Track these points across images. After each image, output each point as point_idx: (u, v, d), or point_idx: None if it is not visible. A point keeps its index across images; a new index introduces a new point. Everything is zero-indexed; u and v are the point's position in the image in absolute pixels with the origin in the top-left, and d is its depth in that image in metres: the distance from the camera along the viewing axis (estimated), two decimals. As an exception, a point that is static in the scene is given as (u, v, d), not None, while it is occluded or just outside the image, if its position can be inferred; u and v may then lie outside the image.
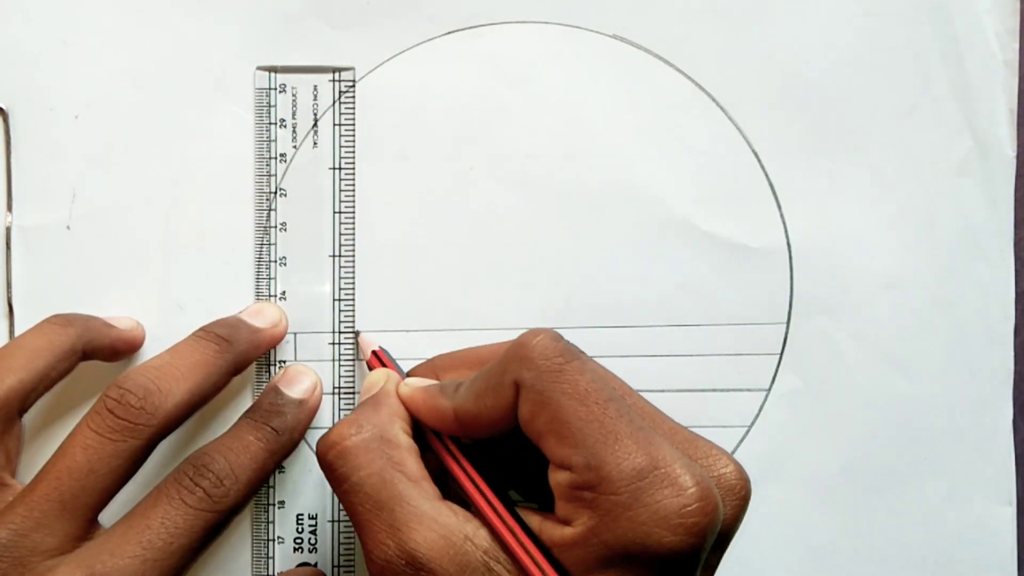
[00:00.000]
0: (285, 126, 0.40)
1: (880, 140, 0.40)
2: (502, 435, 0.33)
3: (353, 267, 0.40)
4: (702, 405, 0.40)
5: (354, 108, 0.40)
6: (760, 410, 0.40)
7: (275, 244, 0.40)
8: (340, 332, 0.40)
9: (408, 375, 0.38)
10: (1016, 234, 0.40)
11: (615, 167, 0.40)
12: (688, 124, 0.40)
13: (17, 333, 0.40)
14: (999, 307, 0.40)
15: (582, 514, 0.30)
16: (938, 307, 0.40)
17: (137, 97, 0.40)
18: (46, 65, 0.40)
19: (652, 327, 0.40)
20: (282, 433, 0.37)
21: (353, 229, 0.40)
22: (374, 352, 0.39)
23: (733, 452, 0.40)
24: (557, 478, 0.31)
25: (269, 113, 0.40)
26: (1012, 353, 0.40)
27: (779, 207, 0.40)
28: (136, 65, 0.40)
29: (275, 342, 0.39)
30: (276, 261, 0.40)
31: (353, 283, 0.40)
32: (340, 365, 0.40)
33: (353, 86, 0.40)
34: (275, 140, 0.40)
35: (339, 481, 0.32)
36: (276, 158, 0.40)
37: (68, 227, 0.40)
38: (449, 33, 0.40)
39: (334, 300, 0.40)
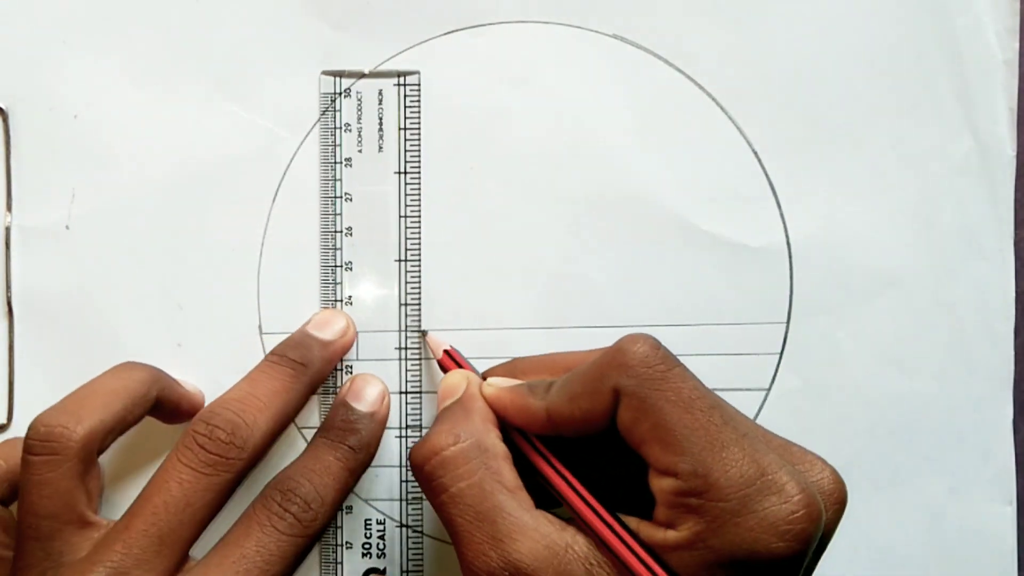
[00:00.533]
0: (350, 130, 0.40)
1: (880, 140, 0.40)
2: (585, 436, 0.33)
3: (419, 270, 0.40)
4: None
5: (419, 112, 0.40)
6: (760, 410, 0.40)
7: (341, 249, 0.40)
8: (407, 333, 0.40)
9: (485, 376, 0.38)
10: (1016, 234, 0.40)
11: (614, 167, 0.40)
12: (688, 124, 0.40)
13: (17, 334, 0.40)
14: (999, 307, 0.40)
15: (687, 519, 0.30)
16: (938, 307, 0.40)
17: (137, 97, 0.40)
18: (46, 65, 0.40)
19: (652, 327, 0.40)
20: (359, 450, 0.37)
21: (419, 233, 0.40)
22: (446, 351, 0.38)
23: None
24: (661, 484, 0.31)
25: (334, 118, 0.40)
26: (1012, 353, 0.40)
27: (779, 207, 0.40)
28: (136, 65, 0.40)
29: (346, 351, 0.39)
30: (342, 266, 0.40)
31: (419, 286, 0.40)
32: (407, 364, 0.40)
33: (418, 90, 0.40)
34: (340, 144, 0.40)
35: (437, 492, 0.33)
36: (341, 163, 0.40)
37: (67, 227, 0.40)
38: (449, 33, 0.40)
39: (400, 304, 0.40)
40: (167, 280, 0.40)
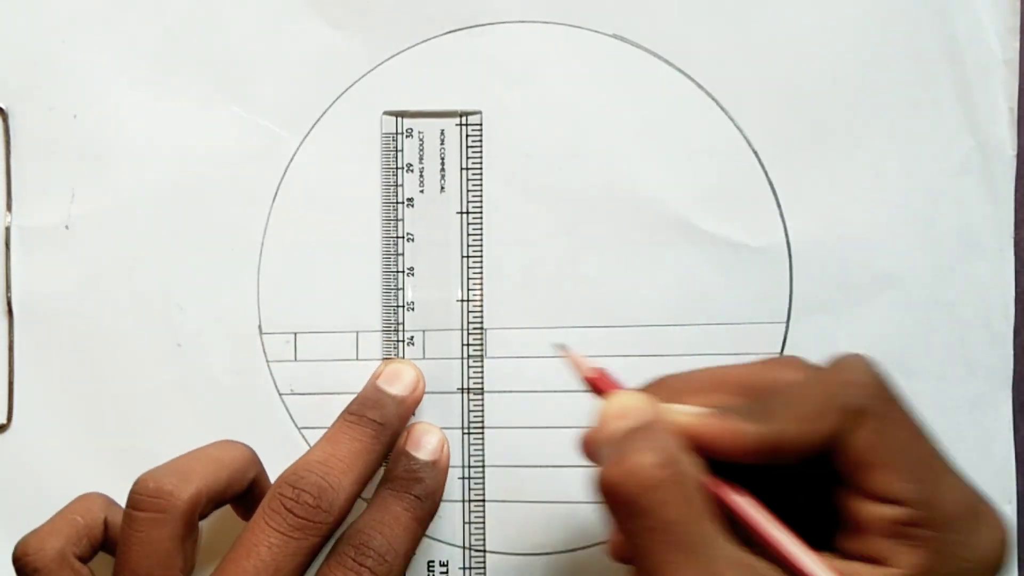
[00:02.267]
0: (412, 171, 0.40)
1: (880, 139, 0.40)
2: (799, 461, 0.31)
3: (481, 311, 0.40)
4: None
5: (481, 152, 0.40)
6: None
7: (403, 288, 0.40)
8: (470, 372, 0.40)
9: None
10: (1016, 234, 0.40)
11: (615, 167, 0.40)
12: (688, 124, 0.40)
13: (17, 334, 0.40)
14: (999, 306, 0.40)
15: (907, 552, 0.29)
16: (938, 306, 0.40)
17: (137, 97, 0.40)
18: (46, 65, 0.40)
19: (652, 327, 0.40)
20: (425, 499, 0.37)
21: (481, 273, 0.40)
22: (598, 370, 0.34)
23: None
24: (881, 512, 0.29)
25: (396, 158, 0.40)
26: (1012, 352, 0.40)
27: (779, 206, 0.40)
28: (136, 65, 0.40)
29: (417, 405, 0.39)
30: (404, 306, 0.40)
31: (481, 324, 0.40)
32: (470, 405, 0.40)
33: (480, 130, 0.40)
34: (402, 185, 0.40)
35: (637, 515, 0.29)
36: (403, 203, 0.40)
37: (67, 227, 0.40)
38: (449, 33, 0.40)
39: (463, 345, 0.40)
40: (167, 280, 0.40)
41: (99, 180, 0.40)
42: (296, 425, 0.40)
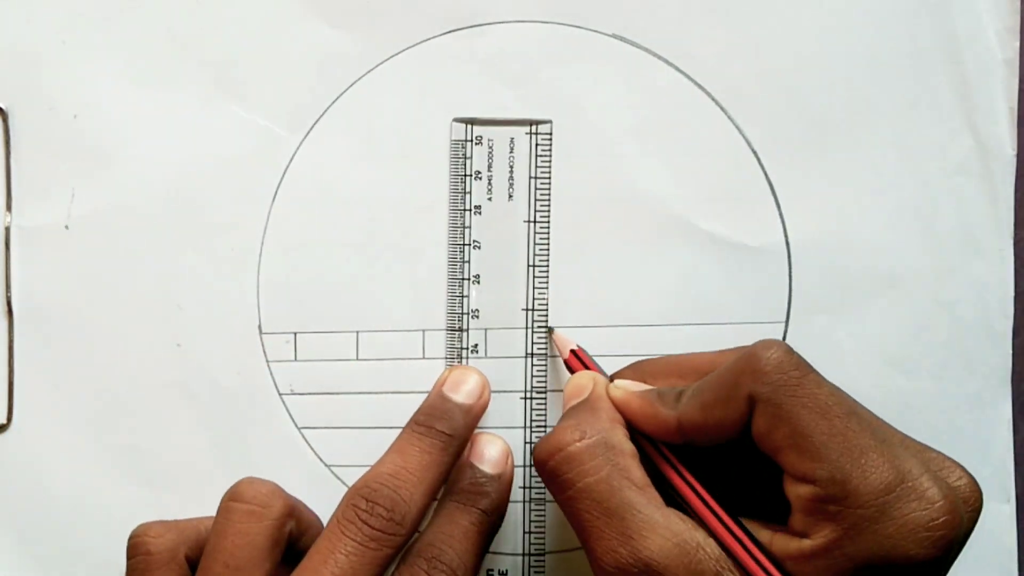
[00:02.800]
0: (480, 178, 0.40)
1: (880, 139, 0.40)
2: (716, 444, 0.33)
3: (546, 318, 0.40)
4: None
5: (550, 161, 0.40)
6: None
7: (468, 296, 0.40)
8: (533, 381, 0.40)
9: (612, 378, 0.37)
10: (1016, 234, 0.40)
11: (615, 167, 0.40)
12: (688, 124, 0.40)
13: (17, 334, 0.40)
14: (998, 306, 0.40)
15: (823, 527, 0.30)
16: (937, 306, 0.40)
17: (137, 97, 0.40)
18: (46, 65, 0.40)
19: (652, 327, 0.40)
20: (490, 513, 0.37)
21: (547, 281, 0.40)
22: (572, 351, 0.38)
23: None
24: (797, 491, 0.31)
25: (465, 165, 0.40)
26: (1011, 352, 0.40)
27: (778, 206, 0.40)
28: (136, 65, 0.40)
29: (483, 412, 0.39)
30: (469, 313, 0.40)
31: (546, 333, 0.40)
32: (532, 415, 0.40)
33: (550, 139, 0.40)
34: (470, 192, 0.40)
35: (563, 487, 0.33)
36: (471, 210, 0.40)
37: (67, 227, 0.40)
38: (449, 32, 0.40)
39: (527, 355, 0.40)
40: (167, 280, 0.40)
41: (99, 180, 0.40)
42: (296, 425, 0.40)
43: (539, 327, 0.40)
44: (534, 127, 0.40)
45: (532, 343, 0.40)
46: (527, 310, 0.40)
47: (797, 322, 0.40)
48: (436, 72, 0.40)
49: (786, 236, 0.40)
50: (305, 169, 0.40)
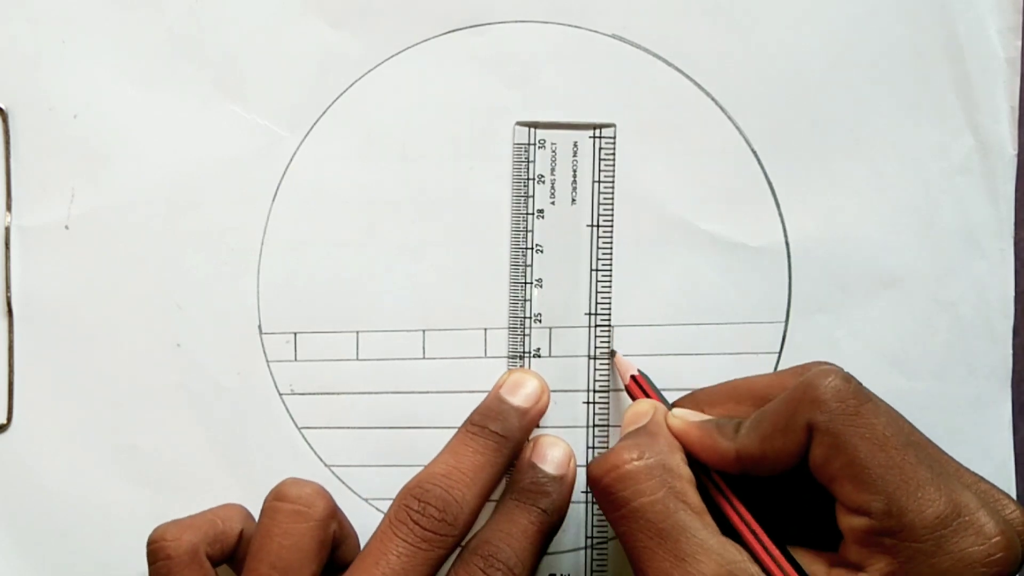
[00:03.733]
0: (543, 182, 0.40)
1: (880, 139, 0.40)
2: (774, 474, 0.33)
3: (609, 323, 0.40)
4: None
5: (613, 165, 0.40)
6: (759, 409, 0.40)
7: (530, 300, 0.40)
8: (596, 394, 0.40)
9: (672, 406, 0.37)
10: (1016, 234, 0.40)
11: (614, 167, 0.40)
12: (688, 124, 0.40)
13: (17, 334, 0.40)
14: (999, 306, 0.40)
15: (879, 560, 0.30)
16: (938, 306, 0.40)
17: (137, 97, 0.40)
18: (46, 65, 0.40)
19: (652, 326, 0.40)
20: (551, 513, 0.36)
21: (610, 286, 0.40)
22: (633, 377, 0.38)
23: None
24: (851, 522, 0.31)
25: (528, 169, 0.40)
26: (1011, 352, 0.40)
27: (778, 206, 0.40)
28: (136, 65, 0.40)
29: (541, 416, 0.39)
30: (531, 317, 0.40)
31: (608, 339, 0.40)
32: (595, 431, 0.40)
33: (614, 142, 0.39)
34: (533, 196, 0.40)
35: (617, 505, 0.33)
36: (533, 214, 0.40)
37: (67, 227, 0.40)
38: (449, 32, 0.40)
39: (589, 358, 0.40)
40: (167, 280, 0.40)
41: (99, 180, 0.40)
42: (296, 425, 0.40)
43: (601, 332, 0.40)
44: (598, 131, 0.40)
45: (595, 347, 0.40)
46: (590, 314, 0.40)
47: (797, 322, 0.40)
48: (436, 72, 0.40)
49: (786, 236, 0.40)
50: (305, 169, 0.40)
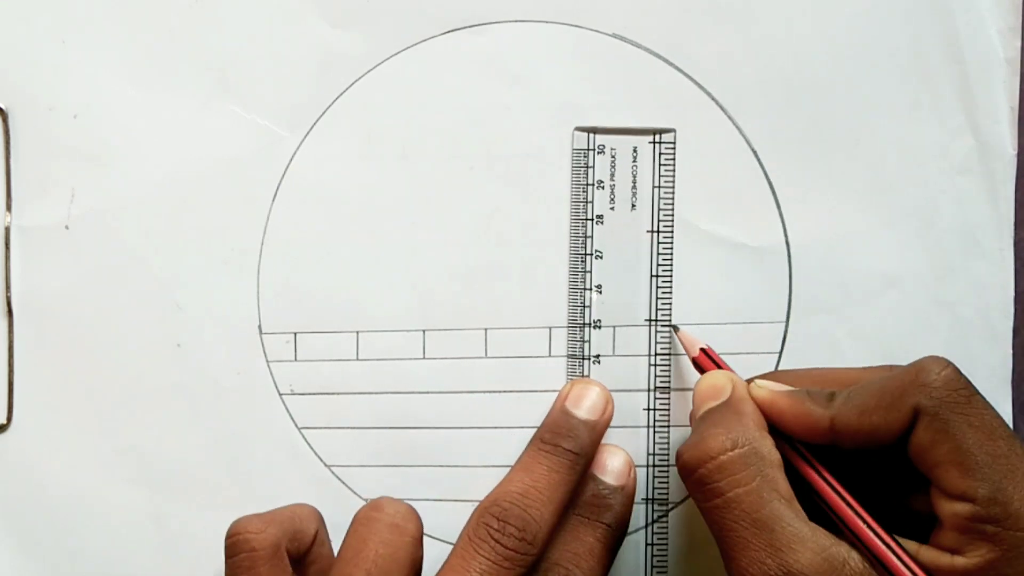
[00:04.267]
0: (603, 187, 0.40)
1: (880, 139, 0.40)
2: (860, 448, 0.33)
3: (669, 328, 0.40)
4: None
5: (673, 170, 0.40)
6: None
7: (590, 307, 0.40)
8: (656, 393, 0.40)
9: (748, 381, 0.37)
10: (1016, 234, 0.40)
11: (615, 167, 0.40)
12: (688, 124, 0.40)
13: (17, 334, 0.40)
14: (999, 306, 0.40)
15: (980, 547, 0.30)
16: (938, 306, 0.40)
17: (136, 97, 0.40)
18: (46, 65, 0.40)
19: (651, 326, 0.40)
20: (615, 527, 0.36)
21: (670, 292, 0.40)
22: (702, 349, 0.38)
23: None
24: (953, 508, 0.31)
25: (587, 174, 0.40)
26: (1011, 352, 0.40)
27: (778, 206, 0.40)
28: (136, 65, 0.40)
29: (607, 427, 0.38)
30: (591, 324, 0.40)
31: (669, 346, 0.40)
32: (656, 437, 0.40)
33: (673, 148, 0.39)
34: (592, 202, 0.40)
35: (710, 495, 0.32)
36: (593, 220, 0.40)
37: (67, 227, 0.40)
38: (449, 32, 0.40)
39: (650, 365, 0.40)
40: (167, 280, 0.40)
41: (99, 180, 0.40)
42: (296, 425, 0.40)
43: (662, 337, 0.40)
44: (658, 136, 0.40)
45: (656, 353, 0.40)
46: (650, 321, 0.40)
47: (797, 322, 0.40)
48: (436, 72, 0.40)
49: (786, 236, 0.40)
50: (305, 169, 0.40)
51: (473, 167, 0.40)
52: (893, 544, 0.32)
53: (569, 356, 0.40)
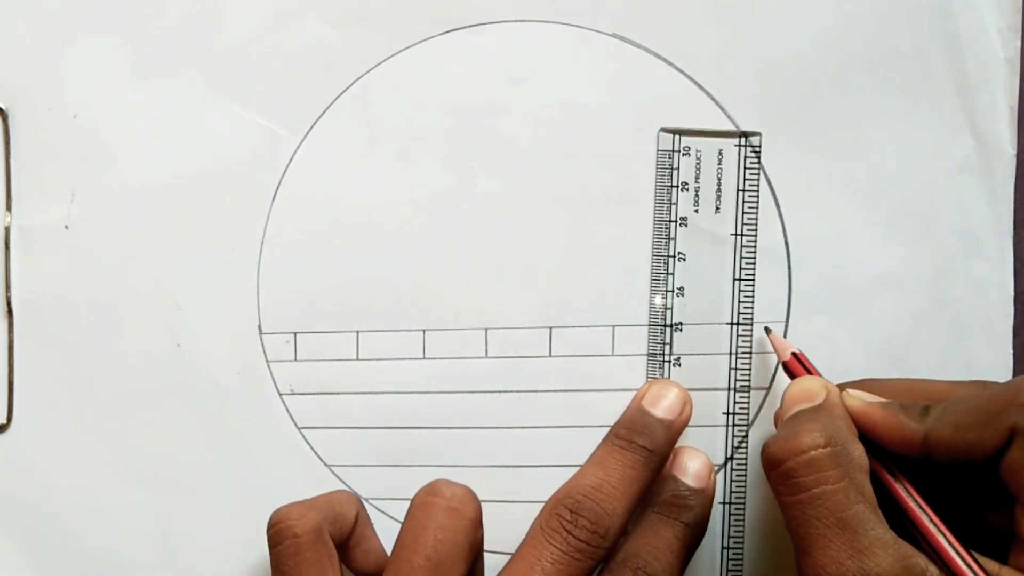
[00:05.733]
0: (687, 190, 0.39)
1: (880, 138, 0.40)
2: (952, 463, 0.33)
3: (751, 334, 0.40)
4: (703, 404, 0.40)
5: (759, 174, 0.39)
6: (760, 409, 0.40)
7: (672, 308, 0.40)
8: (737, 393, 0.40)
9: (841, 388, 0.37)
10: (1016, 234, 0.40)
11: (615, 167, 0.40)
12: (688, 124, 0.40)
13: (17, 334, 0.40)
14: (998, 306, 0.40)
15: None
16: (937, 306, 0.40)
17: (137, 97, 0.40)
18: (46, 65, 0.40)
19: (651, 327, 0.40)
20: (694, 527, 0.36)
21: (753, 296, 0.40)
22: (794, 354, 0.38)
23: (734, 451, 0.40)
24: None
25: (671, 176, 0.39)
26: (1011, 352, 0.40)
27: (777, 206, 0.40)
28: (136, 65, 0.40)
29: (684, 428, 0.38)
30: (672, 326, 0.40)
31: (750, 350, 0.40)
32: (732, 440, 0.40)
33: (758, 151, 0.39)
34: (676, 203, 0.40)
35: (796, 490, 0.32)
36: (676, 221, 0.39)
37: (67, 227, 0.40)
38: (448, 32, 0.40)
39: (731, 368, 0.40)
40: (167, 280, 0.40)
41: (99, 180, 0.40)
42: (296, 425, 0.40)
43: (743, 341, 0.40)
44: (744, 139, 0.39)
45: (737, 358, 0.40)
46: (732, 323, 0.40)
47: (797, 322, 0.40)
48: (436, 72, 0.40)
49: (786, 236, 0.40)
50: (305, 169, 0.40)
51: (473, 167, 0.40)
52: (974, 565, 0.31)
53: (650, 356, 0.40)
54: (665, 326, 0.40)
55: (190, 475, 0.40)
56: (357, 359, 0.40)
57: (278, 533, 0.35)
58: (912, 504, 0.33)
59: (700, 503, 0.37)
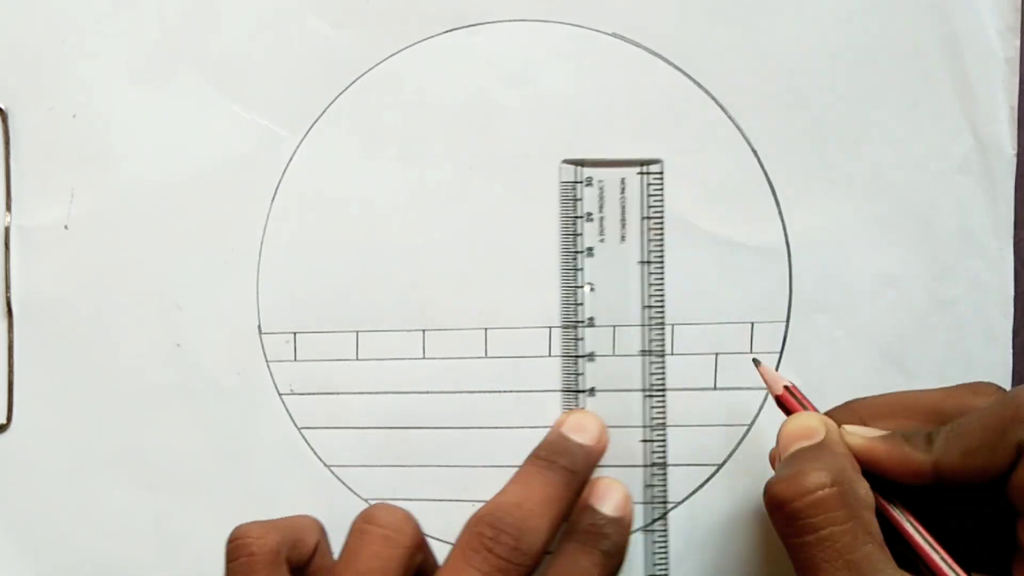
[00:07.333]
0: (592, 220, 0.40)
1: (880, 139, 0.40)
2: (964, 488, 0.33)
3: (663, 361, 0.40)
4: (702, 404, 0.40)
5: (662, 201, 0.39)
6: (760, 409, 0.40)
7: (583, 339, 0.40)
8: (651, 429, 0.40)
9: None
10: (1016, 234, 0.40)
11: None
12: (688, 124, 0.40)
13: (17, 334, 0.40)
14: (998, 306, 0.40)
15: None
16: (937, 306, 0.40)
17: (137, 97, 0.40)
18: (46, 65, 0.40)
19: (651, 327, 0.40)
20: (611, 556, 0.36)
21: (663, 323, 0.40)
22: (786, 388, 0.37)
23: (733, 452, 0.40)
24: None
25: (575, 207, 0.40)
26: (1011, 352, 0.40)
27: (778, 206, 0.40)
28: (136, 65, 0.40)
29: (602, 456, 0.38)
30: (585, 356, 0.40)
31: (664, 379, 0.40)
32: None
33: (661, 179, 0.39)
34: (582, 234, 0.40)
35: (804, 531, 0.31)
36: (583, 252, 0.40)
37: (67, 227, 0.40)
38: (448, 31, 0.40)
39: (645, 396, 0.40)
40: (166, 280, 0.40)
41: (99, 180, 0.40)
42: (296, 425, 0.40)
43: (656, 368, 0.40)
44: (645, 167, 0.39)
45: (650, 383, 0.40)
46: (644, 352, 0.40)
47: (797, 322, 0.40)
48: (436, 72, 0.40)
49: (786, 236, 0.40)
50: (305, 169, 0.40)
51: (473, 167, 0.40)
52: None
53: (564, 387, 0.40)
54: (577, 356, 0.40)
55: (190, 475, 0.40)
56: (357, 359, 0.40)
57: (235, 549, 0.34)
58: (920, 540, 0.33)
59: (618, 532, 0.36)
